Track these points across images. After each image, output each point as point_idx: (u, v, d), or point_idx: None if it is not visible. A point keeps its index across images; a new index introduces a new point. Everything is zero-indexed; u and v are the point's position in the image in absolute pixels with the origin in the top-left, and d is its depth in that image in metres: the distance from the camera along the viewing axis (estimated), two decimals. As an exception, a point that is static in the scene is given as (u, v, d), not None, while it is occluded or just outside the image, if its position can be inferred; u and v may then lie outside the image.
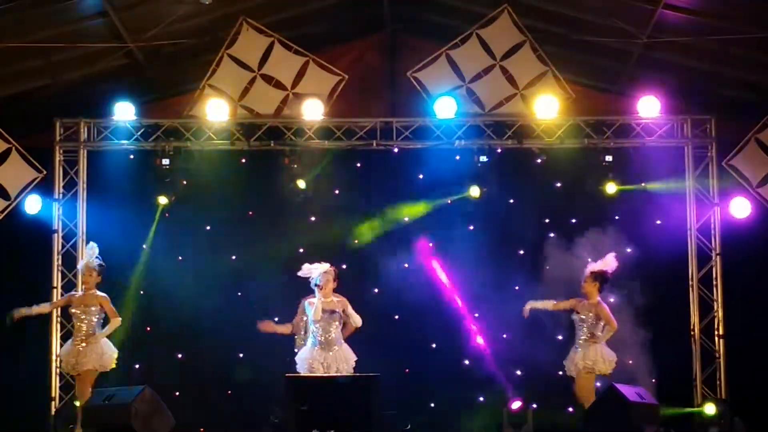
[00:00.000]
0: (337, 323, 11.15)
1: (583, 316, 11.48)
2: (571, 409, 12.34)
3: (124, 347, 12.09)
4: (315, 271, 11.12)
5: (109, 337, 11.62)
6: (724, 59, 12.74)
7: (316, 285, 11.09)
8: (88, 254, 11.76)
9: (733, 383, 12.74)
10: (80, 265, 11.89)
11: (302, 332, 11.61)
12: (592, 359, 11.43)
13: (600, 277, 11.56)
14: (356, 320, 11.20)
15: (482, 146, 13.03)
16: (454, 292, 12.66)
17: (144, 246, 12.81)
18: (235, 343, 12.88)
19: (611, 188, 12.75)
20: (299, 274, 11.29)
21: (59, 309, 12.73)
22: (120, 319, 11.58)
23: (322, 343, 11.11)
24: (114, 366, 11.60)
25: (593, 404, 11.10)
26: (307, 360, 11.08)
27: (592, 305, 11.50)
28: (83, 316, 11.54)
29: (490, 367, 12.69)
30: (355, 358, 11.24)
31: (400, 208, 13.02)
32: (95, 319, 11.56)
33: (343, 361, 11.12)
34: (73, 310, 11.61)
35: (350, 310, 11.21)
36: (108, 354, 11.55)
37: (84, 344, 11.49)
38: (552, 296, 11.79)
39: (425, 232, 12.97)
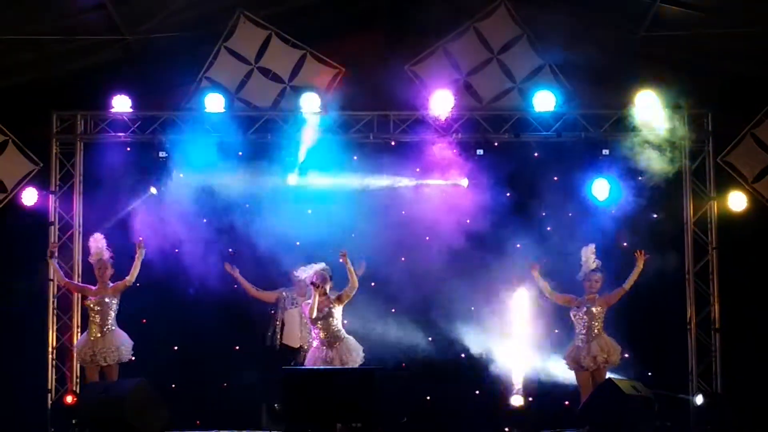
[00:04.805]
0: (336, 317, 11.14)
1: (593, 308, 11.54)
2: (567, 403, 12.36)
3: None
4: (311, 270, 11.13)
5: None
6: (721, 54, 12.74)
7: (312, 284, 11.08)
8: (98, 247, 11.84)
9: (728, 377, 12.76)
10: (93, 259, 11.91)
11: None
12: (606, 351, 11.53)
13: (602, 268, 11.65)
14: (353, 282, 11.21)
15: (479, 139, 13.05)
16: None
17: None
18: (232, 336, 12.88)
19: (608, 183, 12.77)
20: (296, 273, 11.37)
21: (55, 302, 12.76)
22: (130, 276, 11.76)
23: (325, 341, 11.10)
24: (127, 359, 11.73)
25: (590, 397, 11.14)
26: (312, 359, 11.12)
27: (600, 299, 11.57)
28: (99, 309, 11.61)
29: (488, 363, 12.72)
30: (362, 348, 11.27)
31: (397, 201, 13.01)
32: (111, 312, 11.68)
33: (347, 353, 11.10)
34: (89, 303, 11.68)
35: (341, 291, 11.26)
36: (125, 346, 11.67)
37: (99, 335, 11.55)
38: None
39: (421, 225, 12.95)
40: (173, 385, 12.62)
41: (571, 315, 11.71)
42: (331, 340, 11.11)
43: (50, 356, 12.78)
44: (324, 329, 11.10)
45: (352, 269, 11.15)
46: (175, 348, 12.97)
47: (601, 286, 11.66)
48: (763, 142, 12.94)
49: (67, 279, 12.22)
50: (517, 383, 12.49)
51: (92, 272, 12.01)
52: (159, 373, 12.20)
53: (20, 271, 12.70)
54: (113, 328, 11.70)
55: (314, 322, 11.09)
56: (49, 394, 12.74)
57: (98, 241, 11.89)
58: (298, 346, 12.06)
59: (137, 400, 10.58)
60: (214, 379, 12.89)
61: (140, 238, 11.94)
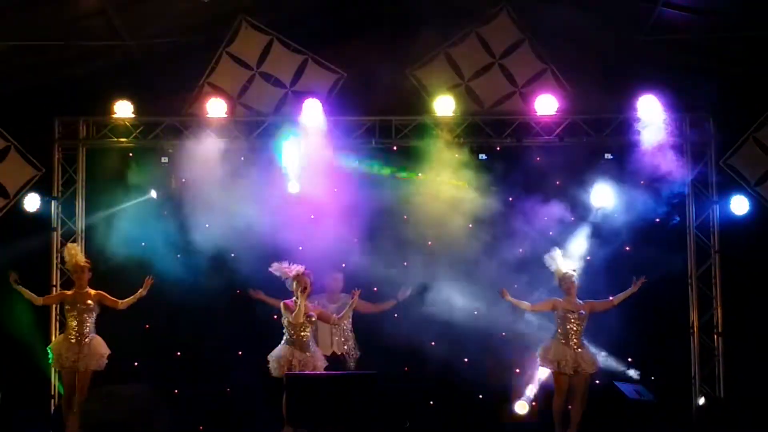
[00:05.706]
0: (310, 326, 11.17)
1: (583, 312, 11.56)
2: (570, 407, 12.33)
3: (122, 344, 12.09)
4: (291, 273, 11.13)
5: (107, 333, 11.68)
6: (723, 57, 12.73)
7: (304, 290, 11.08)
8: (71, 254, 11.85)
9: (731, 381, 12.74)
10: (69, 265, 11.91)
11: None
12: (591, 361, 11.56)
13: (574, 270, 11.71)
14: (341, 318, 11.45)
15: (481, 144, 13.05)
16: None
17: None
18: (234, 341, 12.87)
19: (610, 187, 12.76)
20: (271, 269, 11.35)
21: (57, 307, 12.74)
22: (125, 301, 11.73)
23: (296, 344, 11.13)
24: (103, 367, 11.68)
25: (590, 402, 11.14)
26: (284, 358, 11.10)
27: (583, 303, 11.57)
28: (75, 314, 11.57)
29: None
30: (326, 363, 11.41)
31: (399, 206, 12.98)
32: (89, 318, 11.61)
33: (320, 360, 11.24)
34: (67, 308, 11.64)
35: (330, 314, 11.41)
36: (99, 354, 11.59)
37: (74, 341, 11.51)
38: (551, 296, 11.82)
39: (423, 229, 12.93)
40: (176, 391, 12.62)
41: (558, 317, 11.65)
42: (304, 345, 11.17)
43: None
44: (300, 333, 11.10)
45: (352, 309, 11.47)
46: (178, 353, 12.96)
47: (577, 287, 11.65)
48: (766, 145, 12.94)
49: (42, 297, 11.98)
50: (521, 388, 12.51)
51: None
52: (161, 379, 12.21)
53: (23, 277, 12.67)
54: (91, 335, 11.63)
55: (295, 324, 11.08)
56: (53, 400, 12.74)
57: (70, 249, 11.89)
58: (330, 353, 12.01)
59: (139, 405, 10.54)
60: (217, 384, 12.87)
61: (150, 278, 11.83)
